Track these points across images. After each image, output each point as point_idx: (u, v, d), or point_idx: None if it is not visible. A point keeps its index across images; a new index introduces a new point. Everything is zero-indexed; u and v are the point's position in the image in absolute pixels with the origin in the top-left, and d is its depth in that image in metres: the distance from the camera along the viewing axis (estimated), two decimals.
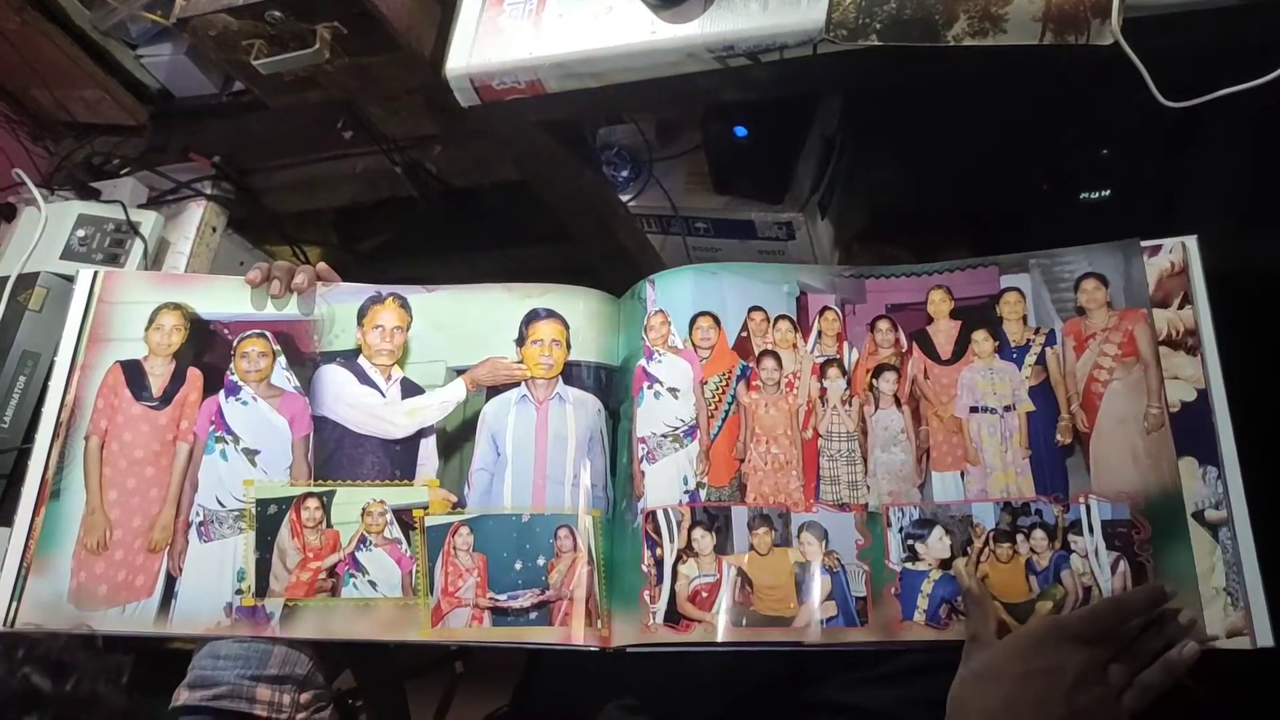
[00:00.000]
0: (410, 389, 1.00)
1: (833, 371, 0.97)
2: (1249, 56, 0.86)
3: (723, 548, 0.91)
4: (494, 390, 1.00)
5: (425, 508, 0.96)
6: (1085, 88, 1.36)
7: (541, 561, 0.93)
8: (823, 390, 0.97)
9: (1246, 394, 0.86)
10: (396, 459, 0.98)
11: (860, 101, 1.67)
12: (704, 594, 0.90)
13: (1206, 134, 1.30)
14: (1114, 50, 0.85)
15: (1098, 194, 1.51)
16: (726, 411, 0.96)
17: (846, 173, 1.72)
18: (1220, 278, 0.89)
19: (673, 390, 0.97)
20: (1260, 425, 0.87)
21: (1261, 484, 0.83)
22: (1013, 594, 0.86)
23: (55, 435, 0.97)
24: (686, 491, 0.94)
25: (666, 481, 0.94)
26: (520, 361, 1.00)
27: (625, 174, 1.74)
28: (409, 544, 0.95)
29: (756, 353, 0.98)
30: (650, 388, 0.98)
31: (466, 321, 1.03)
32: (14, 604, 0.92)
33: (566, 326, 1.02)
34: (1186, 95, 0.87)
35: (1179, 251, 0.90)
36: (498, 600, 0.93)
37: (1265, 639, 0.79)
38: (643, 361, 0.99)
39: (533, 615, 0.92)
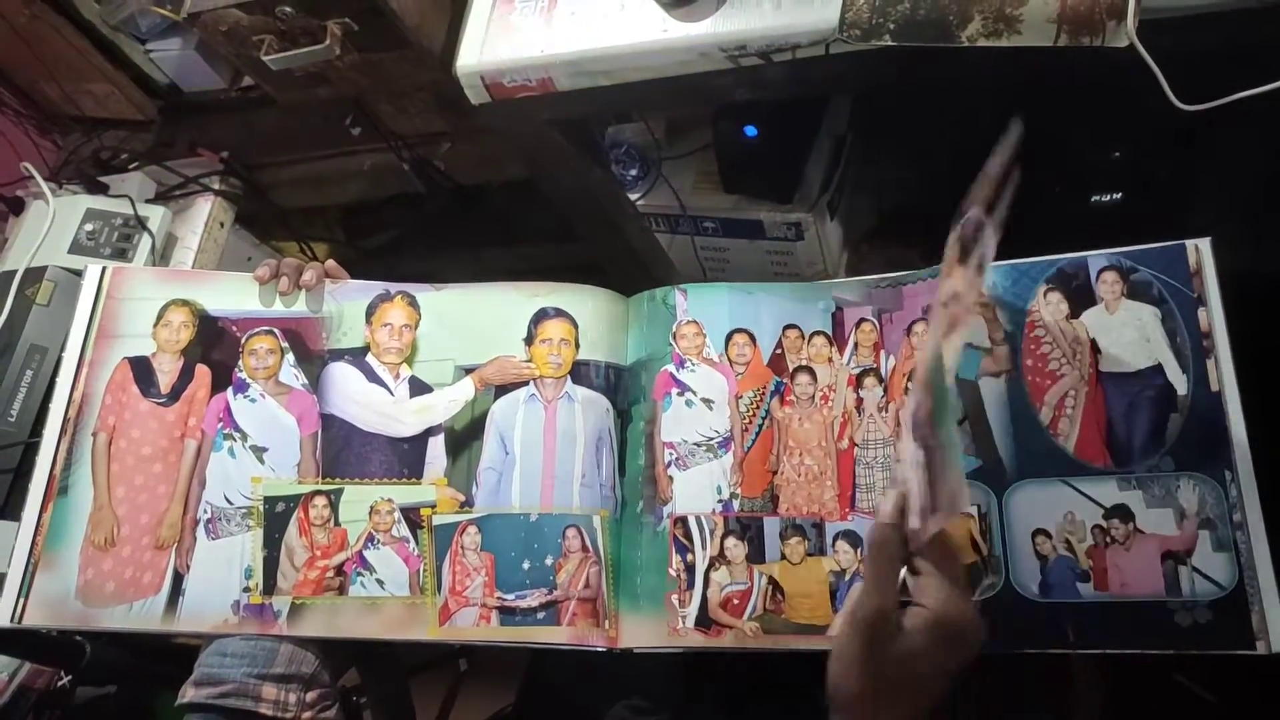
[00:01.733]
0: (418, 387, 1.00)
1: (869, 381, 0.97)
2: (1265, 59, 0.86)
3: (755, 557, 0.92)
4: (502, 389, 1.00)
5: (433, 506, 0.96)
6: (1098, 90, 1.35)
7: (549, 561, 0.93)
8: (859, 400, 0.97)
9: (1260, 397, 0.85)
10: (404, 457, 0.98)
11: (870, 102, 1.67)
12: (735, 601, 0.91)
13: (1220, 137, 1.30)
14: (1129, 52, 0.85)
15: (1109, 197, 1.50)
16: (760, 426, 0.97)
17: (856, 173, 1.72)
18: (1234, 280, 0.88)
19: (706, 401, 0.98)
20: (1274, 428, 0.87)
21: (1275, 487, 0.83)
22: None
23: (63, 431, 0.97)
24: (720, 501, 0.95)
25: (698, 489, 0.95)
26: (529, 360, 1.00)
27: (634, 173, 1.73)
28: (417, 543, 0.95)
29: (791, 369, 0.98)
30: (681, 395, 0.99)
31: (475, 320, 1.03)
32: (21, 600, 0.92)
33: (575, 325, 1.01)
34: (1201, 98, 0.87)
35: (1192, 254, 0.89)
36: (505, 600, 0.92)
37: None
38: (670, 367, 1.00)
39: (540, 615, 0.92)
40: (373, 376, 1.00)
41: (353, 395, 1.00)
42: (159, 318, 1.01)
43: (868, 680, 0.65)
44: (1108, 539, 0.84)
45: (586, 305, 1.02)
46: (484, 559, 0.94)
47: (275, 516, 0.96)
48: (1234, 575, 0.80)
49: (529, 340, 1.01)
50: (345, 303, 1.02)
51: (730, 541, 0.93)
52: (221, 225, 1.56)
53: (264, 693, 0.89)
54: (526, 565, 0.93)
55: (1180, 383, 0.86)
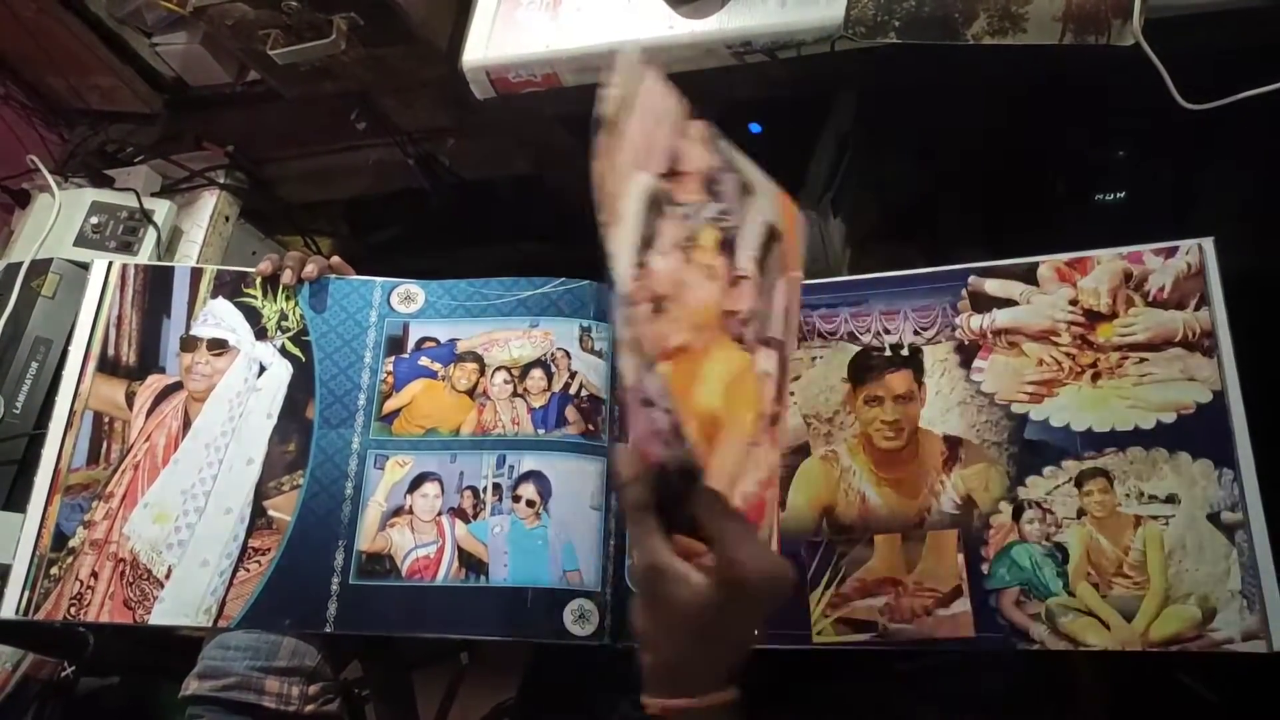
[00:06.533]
0: None
1: None
2: (1269, 59, 0.86)
3: None
4: None
5: None
6: (1103, 88, 1.35)
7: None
8: None
9: (1263, 396, 0.85)
10: None
11: (874, 99, 1.67)
12: None
13: (1224, 136, 1.30)
14: (1134, 51, 0.85)
15: (1113, 195, 1.51)
16: None
17: (859, 171, 1.72)
18: (1237, 279, 0.88)
19: None
20: (1277, 427, 0.87)
21: (1277, 486, 0.83)
22: None
23: (69, 425, 0.97)
24: None
25: None
26: None
27: None
28: None
29: None
30: None
31: None
32: (26, 593, 0.92)
33: None
34: (1206, 97, 0.87)
35: (1195, 253, 0.90)
36: None
37: None
38: None
39: None
40: None
41: None
42: None
43: (659, 629, 0.66)
44: None
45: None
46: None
47: None
48: None
49: None
50: None
51: None
52: (226, 219, 1.56)
53: (267, 686, 0.89)
54: None
55: None
